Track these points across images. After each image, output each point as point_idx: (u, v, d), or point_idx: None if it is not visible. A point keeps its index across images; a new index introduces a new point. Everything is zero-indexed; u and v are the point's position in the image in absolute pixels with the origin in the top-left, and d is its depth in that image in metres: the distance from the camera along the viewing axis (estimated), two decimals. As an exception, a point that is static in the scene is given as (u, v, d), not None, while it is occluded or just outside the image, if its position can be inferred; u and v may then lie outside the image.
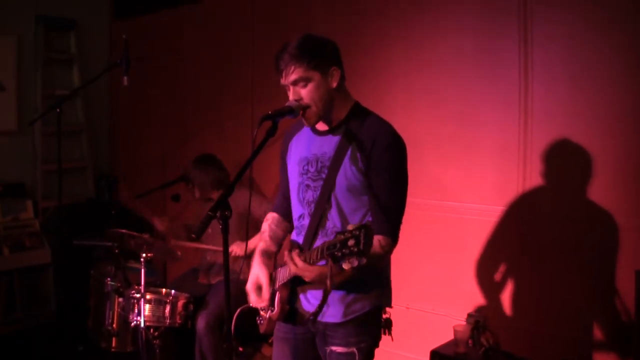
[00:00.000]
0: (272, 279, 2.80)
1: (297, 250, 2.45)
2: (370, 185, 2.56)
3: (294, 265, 2.47)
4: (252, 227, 4.52)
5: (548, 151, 3.89)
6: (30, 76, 6.36)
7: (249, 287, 2.79)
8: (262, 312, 2.85)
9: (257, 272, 2.78)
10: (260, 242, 2.92)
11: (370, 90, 4.30)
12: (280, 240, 2.98)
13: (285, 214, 2.98)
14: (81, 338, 4.98)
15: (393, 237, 2.56)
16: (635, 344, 3.30)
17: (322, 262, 2.33)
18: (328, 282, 2.24)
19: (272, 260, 2.88)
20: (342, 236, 2.15)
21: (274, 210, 3.04)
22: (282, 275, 2.72)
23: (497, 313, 4.12)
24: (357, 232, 2.10)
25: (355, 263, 2.11)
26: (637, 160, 3.60)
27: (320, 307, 2.38)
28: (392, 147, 2.56)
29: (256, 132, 2.36)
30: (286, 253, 2.75)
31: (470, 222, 4.25)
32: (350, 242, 2.10)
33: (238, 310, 2.86)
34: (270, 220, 2.99)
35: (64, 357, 5.06)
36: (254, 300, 2.79)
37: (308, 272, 2.41)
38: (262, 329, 2.89)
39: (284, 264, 2.73)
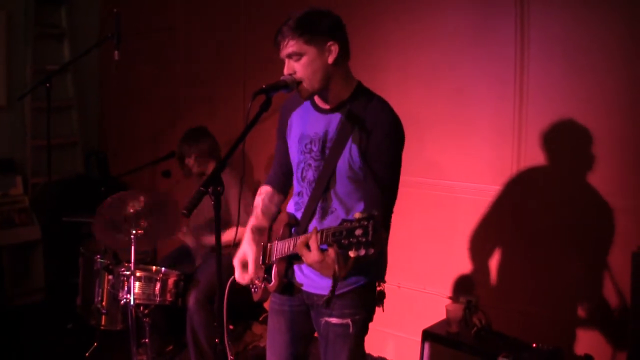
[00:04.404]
0: (266, 252, 2.81)
1: (315, 232, 2.39)
2: (366, 170, 2.54)
3: (301, 247, 2.39)
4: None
5: (543, 131, 3.87)
6: (20, 51, 6.28)
7: (235, 262, 2.81)
8: (256, 282, 2.85)
9: (245, 249, 2.79)
10: (251, 217, 2.90)
11: (364, 68, 4.26)
12: (273, 215, 2.95)
13: (280, 186, 2.97)
14: (70, 315, 4.95)
15: (386, 225, 2.53)
16: (631, 326, 3.30)
17: (323, 246, 2.30)
18: (336, 267, 2.24)
19: (264, 235, 2.87)
20: (349, 224, 2.12)
21: (267, 183, 3.01)
22: (281, 248, 2.70)
23: (490, 293, 4.11)
24: (365, 223, 2.07)
25: (362, 252, 2.09)
26: (634, 141, 3.58)
27: (332, 293, 2.36)
28: (390, 136, 2.53)
29: (250, 107, 2.33)
30: (283, 226, 2.75)
31: (464, 201, 4.23)
32: (358, 232, 2.08)
33: (229, 283, 2.85)
34: (263, 194, 2.96)
35: (53, 335, 5.04)
36: (238, 276, 2.80)
37: (311, 256, 2.36)
38: (255, 298, 2.90)
39: (281, 238, 2.72)
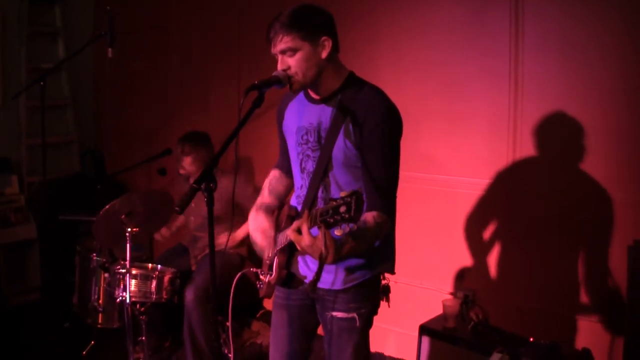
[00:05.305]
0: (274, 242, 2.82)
1: (306, 216, 2.37)
2: (363, 160, 2.53)
3: (292, 232, 2.39)
4: (238, 214, 4.52)
5: (538, 125, 3.87)
6: (15, 50, 6.25)
7: (255, 234, 2.81)
8: (261, 276, 2.85)
9: (253, 221, 2.82)
10: (259, 197, 2.93)
11: (358, 64, 4.24)
12: (281, 195, 2.97)
13: (287, 170, 2.96)
14: (67, 314, 4.95)
15: (388, 213, 2.52)
16: (627, 320, 3.30)
17: (314, 230, 2.29)
18: (323, 249, 2.22)
19: (272, 212, 2.87)
20: (334, 203, 2.12)
21: (275, 167, 3.03)
22: (281, 239, 2.72)
23: (487, 288, 4.11)
24: (349, 199, 2.07)
25: (347, 229, 2.10)
26: (629, 135, 3.58)
27: (318, 276, 2.34)
28: (383, 122, 2.52)
29: (242, 103, 2.32)
30: (285, 219, 2.76)
31: (460, 196, 4.23)
32: (342, 209, 2.07)
33: (235, 280, 2.85)
34: (271, 177, 3.00)
35: (50, 334, 5.03)
36: (268, 244, 2.79)
37: (303, 240, 2.34)
38: (261, 293, 2.89)
39: (282, 229, 2.73)
